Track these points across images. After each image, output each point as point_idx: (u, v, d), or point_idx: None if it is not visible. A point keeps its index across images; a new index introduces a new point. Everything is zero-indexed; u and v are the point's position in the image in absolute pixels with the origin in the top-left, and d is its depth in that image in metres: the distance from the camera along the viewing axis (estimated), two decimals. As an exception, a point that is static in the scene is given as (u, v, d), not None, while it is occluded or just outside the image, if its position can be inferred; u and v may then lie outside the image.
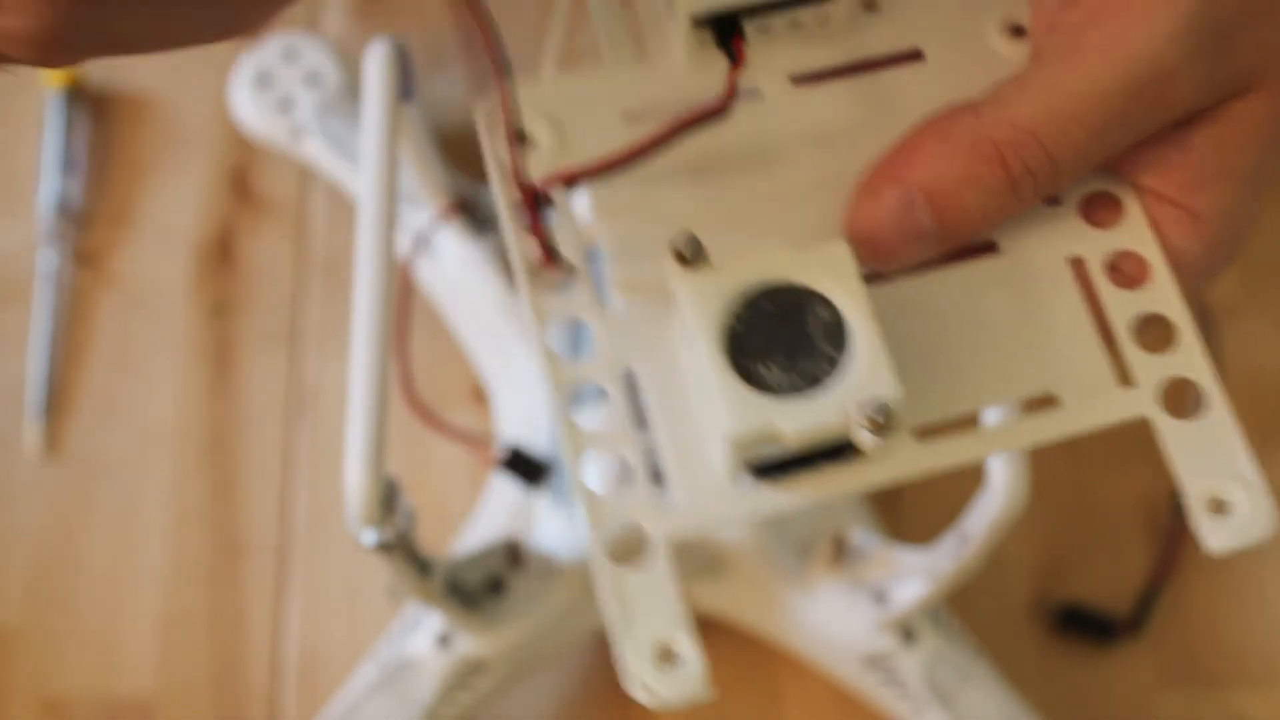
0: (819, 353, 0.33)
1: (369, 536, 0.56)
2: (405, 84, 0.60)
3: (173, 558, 0.75)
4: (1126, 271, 0.37)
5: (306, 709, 0.72)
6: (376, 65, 0.58)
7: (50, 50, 0.31)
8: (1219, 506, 0.35)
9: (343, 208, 0.81)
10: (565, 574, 0.67)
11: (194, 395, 0.78)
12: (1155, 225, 0.37)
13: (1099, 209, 0.38)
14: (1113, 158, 0.37)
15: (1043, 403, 0.36)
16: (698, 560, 0.68)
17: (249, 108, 0.80)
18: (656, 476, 0.35)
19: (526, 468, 0.69)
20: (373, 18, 0.86)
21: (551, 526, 0.69)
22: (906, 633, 0.67)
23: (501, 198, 0.37)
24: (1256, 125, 0.36)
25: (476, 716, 0.69)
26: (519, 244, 0.37)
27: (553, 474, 0.69)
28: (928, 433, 0.35)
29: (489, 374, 0.76)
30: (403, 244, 0.75)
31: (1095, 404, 0.36)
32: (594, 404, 0.69)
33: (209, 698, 0.73)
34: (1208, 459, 0.35)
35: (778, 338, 0.33)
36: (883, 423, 0.32)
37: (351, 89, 0.79)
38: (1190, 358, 0.36)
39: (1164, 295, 0.37)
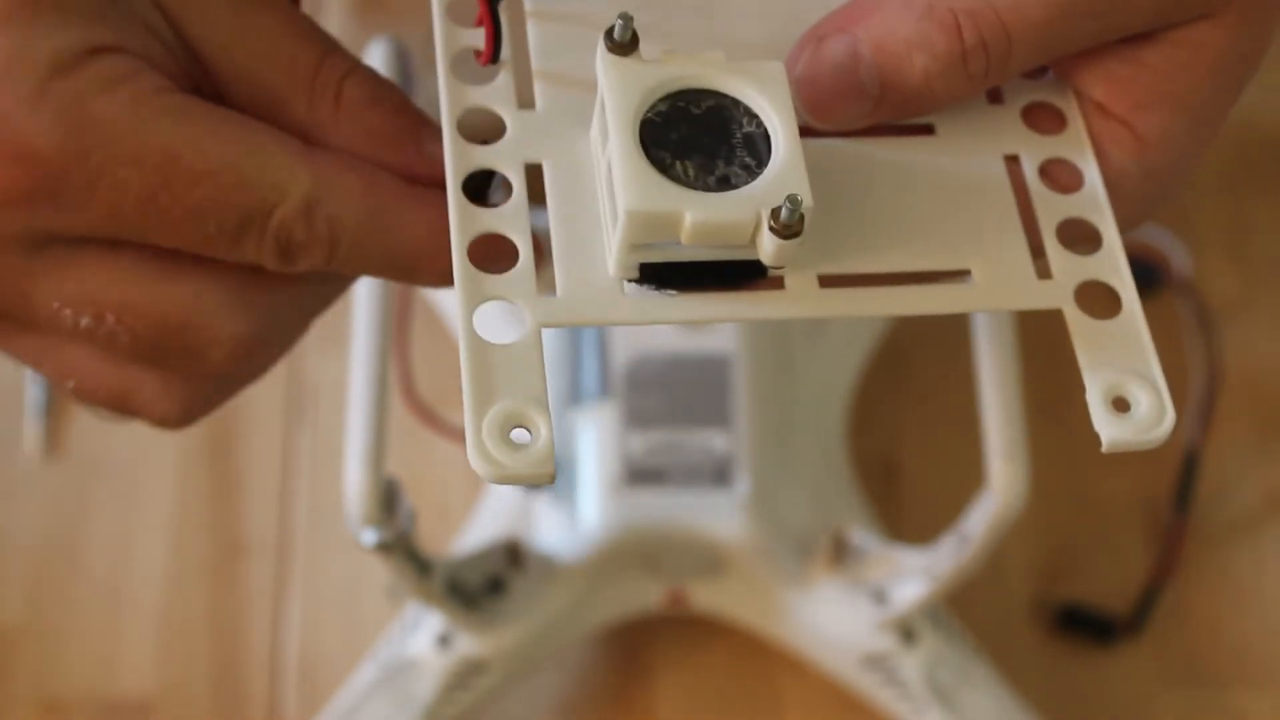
0: (737, 160, 0.33)
1: (369, 536, 0.56)
2: (405, 84, 0.60)
3: (173, 558, 0.75)
4: (1059, 178, 0.37)
5: (306, 709, 0.72)
6: (376, 65, 0.58)
7: (183, 426, 0.38)
8: (1120, 404, 0.34)
9: (343, 208, 0.81)
10: (565, 574, 0.67)
11: (194, 395, 0.78)
12: (1096, 140, 0.37)
13: (1042, 118, 0.37)
14: (1064, 65, 0.37)
15: (957, 279, 0.35)
16: (698, 560, 0.68)
17: (249, 108, 0.80)
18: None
19: (526, 468, 0.69)
20: (373, 18, 0.86)
21: (551, 526, 0.69)
22: (906, 633, 0.67)
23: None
24: (1213, 53, 0.36)
25: (476, 716, 0.69)
26: (444, 32, 0.37)
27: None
28: (831, 282, 0.35)
29: (489, 374, 0.76)
30: (403, 244, 0.74)
31: (1009, 288, 0.35)
32: (595, 402, 0.69)
33: (209, 698, 0.73)
34: (1116, 357, 0.34)
35: (697, 139, 0.33)
36: (791, 225, 0.32)
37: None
38: (1111, 263, 0.36)
39: (1094, 203, 0.36)
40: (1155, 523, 0.76)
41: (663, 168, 0.33)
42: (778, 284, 0.34)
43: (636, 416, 0.68)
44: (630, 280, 0.34)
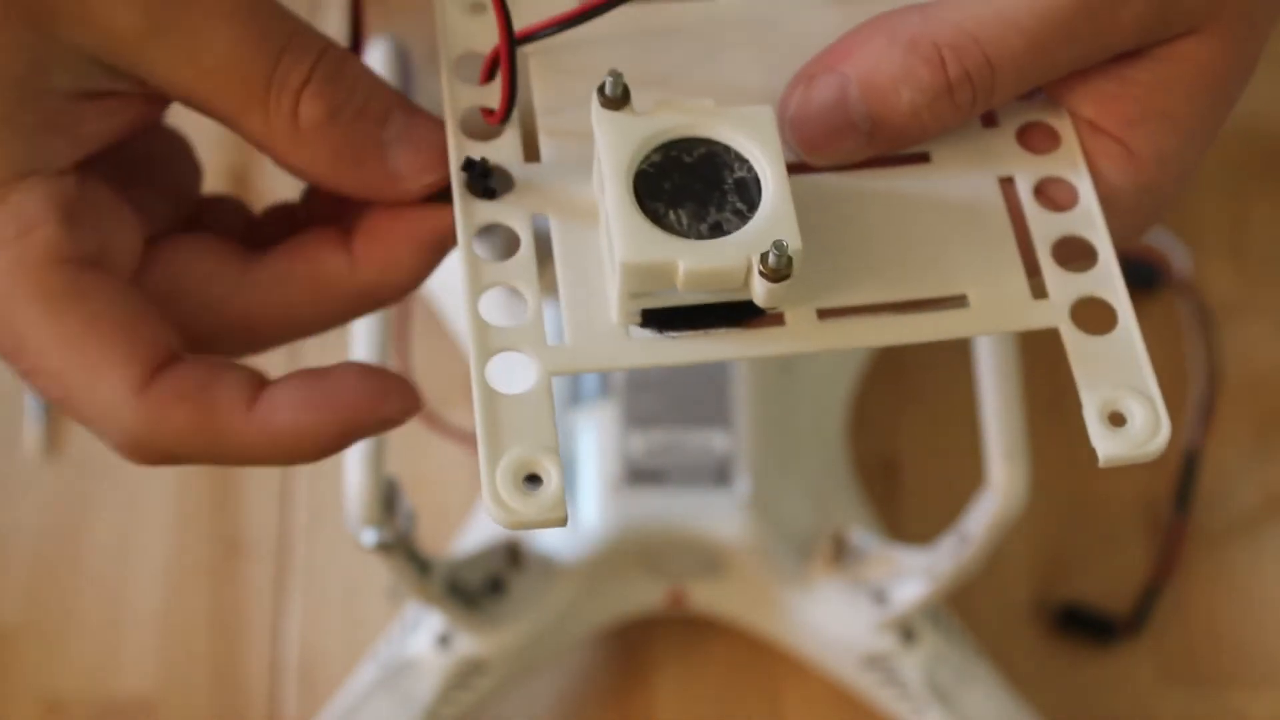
0: (728, 206, 0.34)
1: (369, 536, 0.56)
2: (405, 84, 0.60)
3: (173, 558, 0.75)
4: (1054, 197, 0.37)
5: (306, 709, 0.72)
6: (376, 65, 0.58)
7: (139, 460, 0.35)
8: (1116, 419, 0.35)
9: (343, 208, 0.81)
10: (565, 574, 0.67)
11: (194, 395, 0.78)
12: (1089, 157, 0.37)
13: (1036, 137, 0.38)
14: (1055, 86, 0.37)
15: (954, 304, 0.36)
16: (698, 560, 0.68)
17: (249, 108, 0.80)
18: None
19: (526, 468, 0.69)
20: (373, 18, 0.86)
21: (551, 526, 0.69)
22: (906, 633, 0.67)
23: (444, 41, 0.38)
24: (1200, 68, 0.36)
25: (476, 716, 0.69)
26: (451, 90, 0.37)
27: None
28: (830, 315, 0.35)
29: (489, 374, 0.76)
30: (403, 244, 0.74)
31: (1005, 310, 0.36)
32: (595, 402, 0.69)
33: (209, 698, 0.73)
34: (1111, 373, 0.35)
35: (690, 187, 0.34)
36: (780, 270, 0.33)
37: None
38: (1106, 279, 0.36)
39: (1088, 219, 0.37)
40: (1155, 523, 0.76)
41: (656, 218, 0.33)
42: (778, 320, 0.35)
43: (636, 416, 0.68)
44: (635, 325, 0.35)
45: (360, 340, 0.57)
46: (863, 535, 0.68)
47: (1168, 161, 0.37)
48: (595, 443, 0.68)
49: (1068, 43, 0.35)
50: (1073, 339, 0.35)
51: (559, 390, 0.70)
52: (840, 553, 0.68)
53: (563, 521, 0.33)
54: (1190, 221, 0.81)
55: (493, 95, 0.37)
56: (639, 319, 0.35)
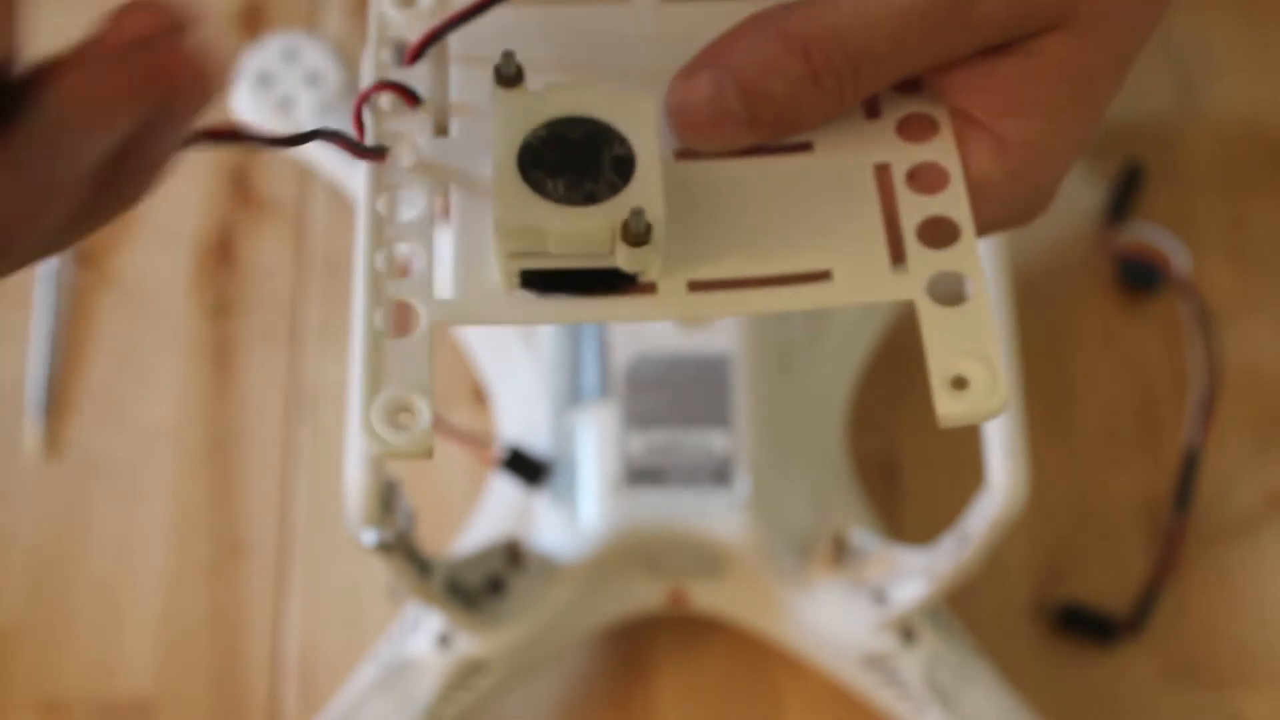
0: (603, 179, 0.37)
1: (369, 536, 0.56)
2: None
3: (173, 558, 0.75)
4: (925, 181, 0.40)
5: (306, 709, 0.72)
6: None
7: None
8: (959, 383, 0.37)
9: (343, 208, 0.81)
10: (565, 574, 0.67)
11: (194, 395, 0.78)
12: (962, 145, 0.40)
13: (915, 127, 0.40)
14: (931, 78, 0.39)
15: (819, 279, 0.38)
16: (698, 560, 0.68)
17: (249, 108, 0.80)
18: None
19: (526, 468, 0.69)
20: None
21: (551, 526, 0.69)
22: (906, 633, 0.67)
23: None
24: (1062, 62, 0.38)
25: (476, 716, 0.69)
26: (377, 60, 0.41)
27: (552, 474, 0.69)
28: (701, 287, 0.38)
29: (489, 374, 0.76)
30: (403, 244, 0.74)
31: (865, 283, 0.38)
32: (595, 402, 0.69)
33: (209, 698, 0.73)
34: (958, 341, 0.37)
35: (570, 160, 0.37)
36: (639, 234, 0.36)
37: (351, 89, 0.79)
38: (965, 255, 0.38)
39: (954, 201, 0.39)
40: (1155, 523, 0.76)
41: (535, 185, 0.37)
42: (651, 289, 0.38)
43: (636, 416, 0.68)
44: (517, 286, 0.38)
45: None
46: (863, 535, 0.68)
47: (1035, 148, 0.39)
48: (595, 443, 0.68)
49: (925, 37, 0.38)
50: (927, 311, 0.38)
51: (559, 389, 0.70)
52: (840, 553, 0.68)
53: (429, 455, 0.36)
54: (1190, 221, 0.81)
55: (411, 76, 0.40)
56: (519, 280, 0.37)
